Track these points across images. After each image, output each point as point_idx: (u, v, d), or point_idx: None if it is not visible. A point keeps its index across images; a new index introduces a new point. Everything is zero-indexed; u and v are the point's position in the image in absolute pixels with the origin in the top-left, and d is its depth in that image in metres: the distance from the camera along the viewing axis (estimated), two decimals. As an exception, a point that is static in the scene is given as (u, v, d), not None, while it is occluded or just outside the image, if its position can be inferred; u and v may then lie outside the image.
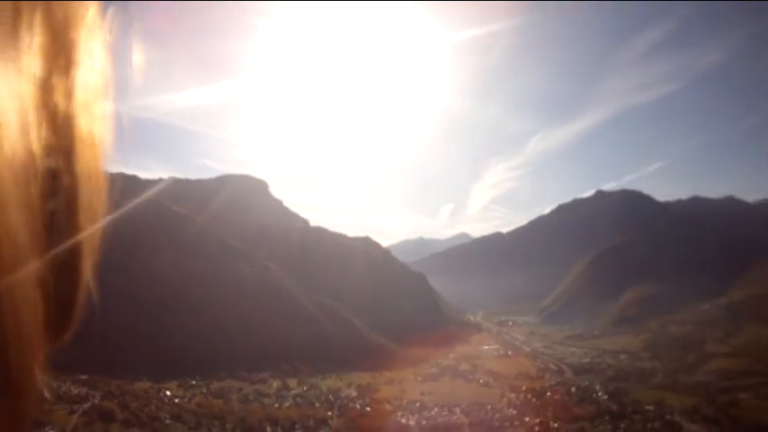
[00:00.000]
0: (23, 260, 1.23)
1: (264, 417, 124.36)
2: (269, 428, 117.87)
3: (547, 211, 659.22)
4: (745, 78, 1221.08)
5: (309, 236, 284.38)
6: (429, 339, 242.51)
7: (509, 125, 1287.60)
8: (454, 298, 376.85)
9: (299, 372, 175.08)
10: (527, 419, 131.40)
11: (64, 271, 1.43)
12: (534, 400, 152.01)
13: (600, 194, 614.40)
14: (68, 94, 1.38)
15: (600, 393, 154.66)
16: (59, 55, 1.35)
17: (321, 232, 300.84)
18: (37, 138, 1.28)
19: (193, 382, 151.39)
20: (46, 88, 1.31)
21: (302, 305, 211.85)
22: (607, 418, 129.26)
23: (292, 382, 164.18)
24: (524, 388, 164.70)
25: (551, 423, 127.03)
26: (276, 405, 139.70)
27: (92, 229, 1.53)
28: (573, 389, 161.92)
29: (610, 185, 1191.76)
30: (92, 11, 1.43)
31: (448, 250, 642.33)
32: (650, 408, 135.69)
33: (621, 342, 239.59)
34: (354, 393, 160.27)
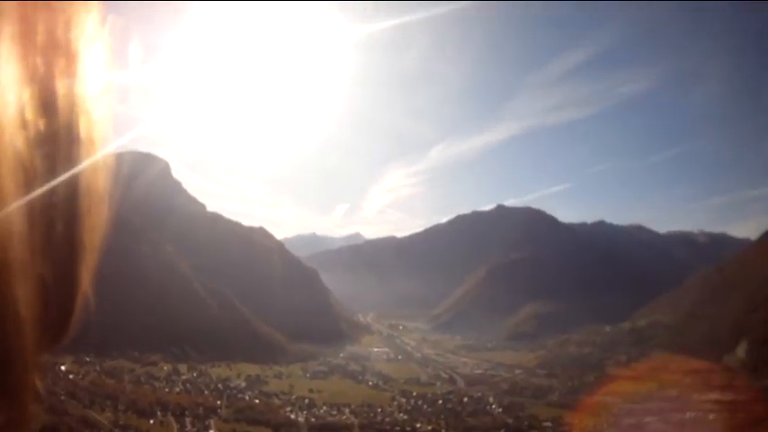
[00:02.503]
0: (23, 263, 1.24)
1: (155, 400, 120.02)
2: (159, 413, 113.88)
3: (444, 220, 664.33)
4: (660, 111, 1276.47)
5: (205, 221, 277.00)
6: (319, 336, 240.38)
7: (413, 131, 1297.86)
8: (345, 297, 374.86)
9: (189, 357, 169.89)
10: (418, 426, 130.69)
11: (63, 277, 1.45)
12: (426, 406, 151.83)
13: (501, 209, 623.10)
14: (69, 96, 1.39)
15: (494, 406, 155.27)
16: (60, 56, 1.35)
17: (217, 219, 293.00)
18: (36, 139, 1.29)
19: (87, 359, 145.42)
20: (47, 90, 1.31)
21: (195, 290, 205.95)
22: (502, 431, 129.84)
23: (183, 368, 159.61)
24: (415, 393, 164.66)
25: (444, 431, 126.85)
26: (167, 389, 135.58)
27: (91, 234, 1.56)
28: (465, 399, 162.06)
29: (511, 201, 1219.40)
30: (92, 11, 1.43)
31: (341, 249, 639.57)
32: (548, 424, 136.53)
33: (516, 357, 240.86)
34: (243, 384, 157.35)
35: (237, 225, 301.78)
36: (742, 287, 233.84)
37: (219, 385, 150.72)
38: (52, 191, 1.37)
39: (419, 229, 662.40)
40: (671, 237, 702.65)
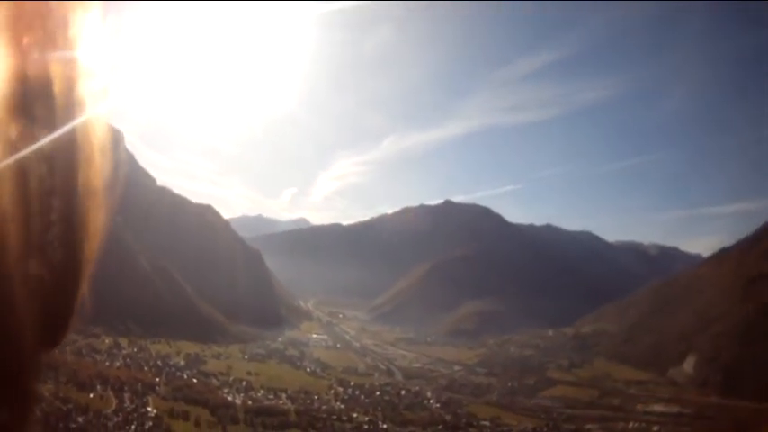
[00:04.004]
0: (21, 264, 1.27)
1: (96, 373, 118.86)
2: (99, 386, 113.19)
3: (391, 211, 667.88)
4: (621, 121, 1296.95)
5: (154, 196, 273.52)
6: (259, 319, 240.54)
7: (365, 120, 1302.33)
8: (287, 281, 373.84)
9: (130, 332, 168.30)
10: (355, 416, 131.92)
11: (61, 277, 1.47)
12: (363, 397, 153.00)
13: (448, 204, 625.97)
14: (67, 98, 1.42)
15: (432, 401, 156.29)
16: (59, 56, 1.39)
17: (165, 194, 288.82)
18: (35, 141, 1.31)
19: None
20: (44, 91, 1.34)
21: (140, 264, 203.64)
22: (440, 427, 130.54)
23: (124, 341, 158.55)
24: (353, 383, 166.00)
25: (381, 423, 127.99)
26: (107, 363, 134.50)
27: (90, 237, 1.56)
28: (403, 392, 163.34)
29: (460, 198, 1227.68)
30: (91, 11, 1.46)
31: (286, 233, 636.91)
32: (486, 423, 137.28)
33: (455, 353, 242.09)
34: (182, 362, 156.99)
35: (186, 201, 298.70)
36: (692, 303, 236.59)
37: (159, 362, 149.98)
38: (51, 191, 1.39)
39: (365, 219, 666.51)
40: (620, 246, 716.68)
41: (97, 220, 1.61)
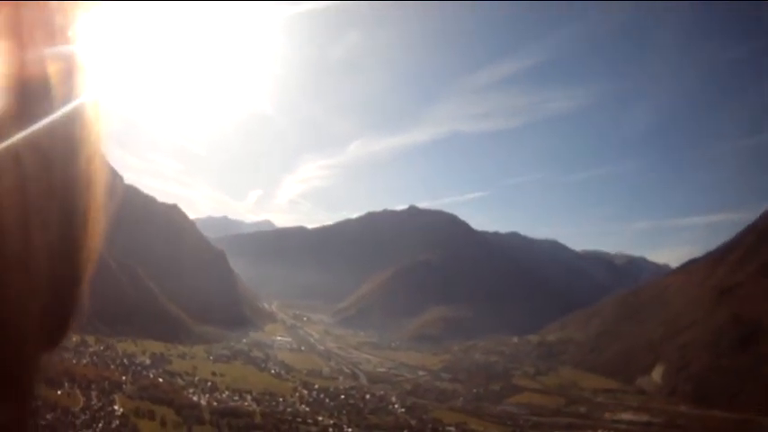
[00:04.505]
0: (21, 264, 1.28)
1: (63, 371, 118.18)
2: (66, 384, 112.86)
3: (355, 215, 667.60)
4: (589, 131, 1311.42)
5: (121, 194, 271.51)
6: (223, 319, 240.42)
7: (332, 124, 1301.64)
8: (251, 283, 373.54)
9: (97, 330, 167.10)
10: (320, 419, 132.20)
11: (62, 277, 1.49)
12: (328, 400, 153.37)
13: (413, 210, 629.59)
14: (66, 99, 1.44)
15: (396, 405, 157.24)
16: (58, 57, 1.40)
17: (132, 192, 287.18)
18: (35, 144, 1.32)
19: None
20: (43, 93, 1.35)
21: (106, 263, 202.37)
22: (406, 431, 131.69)
23: (91, 339, 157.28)
24: (317, 386, 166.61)
25: (346, 427, 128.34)
26: (74, 360, 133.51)
27: (90, 238, 1.58)
28: (368, 396, 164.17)
29: (425, 204, 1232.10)
30: (89, 12, 1.48)
31: (251, 234, 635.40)
32: (451, 429, 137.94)
33: (420, 358, 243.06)
34: (148, 361, 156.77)
35: (152, 200, 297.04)
36: (660, 312, 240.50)
37: (125, 360, 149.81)
38: (50, 191, 1.40)
39: (329, 222, 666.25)
40: (587, 255, 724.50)
41: (97, 219, 1.62)
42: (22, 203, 1.29)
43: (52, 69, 1.41)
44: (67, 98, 1.46)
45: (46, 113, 1.37)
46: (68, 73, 1.47)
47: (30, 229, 1.33)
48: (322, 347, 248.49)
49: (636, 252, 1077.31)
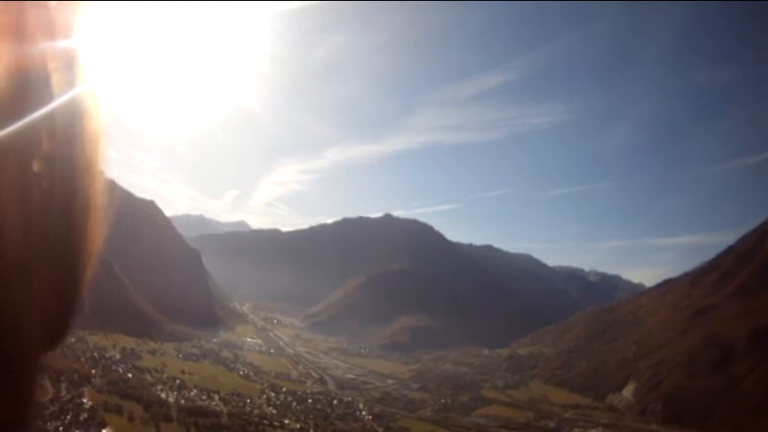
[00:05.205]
0: (21, 264, 1.30)
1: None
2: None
3: (330, 221, 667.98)
4: (568, 148, 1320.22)
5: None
6: (194, 318, 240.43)
7: (311, 128, 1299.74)
8: (224, 283, 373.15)
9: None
10: (287, 422, 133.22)
11: (62, 277, 1.53)
12: (295, 403, 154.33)
13: (388, 218, 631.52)
14: (68, 102, 1.46)
15: (364, 412, 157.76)
16: (58, 59, 1.43)
17: (111, 186, 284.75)
18: (34, 147, 1.35)
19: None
20: (45, 93, 1.37)
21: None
22: None
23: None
24: (285, 389, 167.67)
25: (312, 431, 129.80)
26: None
27: (91, 239, 1.64)
28: (335, 401, 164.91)
29: (400, 213, 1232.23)
30: (84, 10, 1.52)
31: (225, 235, 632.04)
32: None
33: (389, 366, 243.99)
34: (118, 356, 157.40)
35: (130, 195, 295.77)
36: (633, 331, 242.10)
37: (95, 354, 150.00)
38: (50, 191, 1.43)
39: (304, 227, 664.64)
40: (560, 271, 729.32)
41: (97, 219, 1.65)
42: (22, 202, 1.30)
43: (52, 67, 1.41)
44: (68, 97, 1.46)
45: (46, 112, 1.36)
46: (69, 71, 1.47)
47: (31, 227, 1.33)
48: (291, 351, 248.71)
49: (610, 270, 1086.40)
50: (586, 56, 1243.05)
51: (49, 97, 1.39)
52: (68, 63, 1.48)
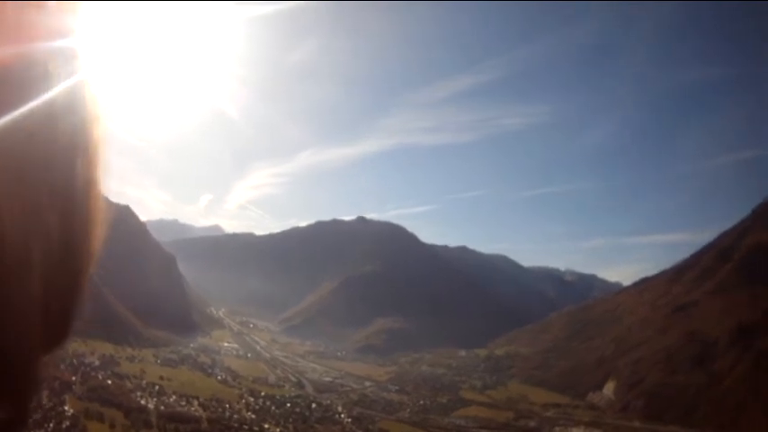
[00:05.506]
0: (23, 265, 1.31)
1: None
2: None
3: (304, 224, 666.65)
4: (543, 149, 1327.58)
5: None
6: (171, 323, 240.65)
7: (285, 132, 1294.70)
8: (200, 288, 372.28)
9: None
10: (266, 427, 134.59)
11: (63, 277, 1.53)
12: (274, 408, 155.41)
13: (362, 221, 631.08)
14: (68, 102, 1.48)
15: (343, 415, 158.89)
16: (58, 61, 1.44)
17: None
18: (35, 151, 1.36)
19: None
20: (43, 91, 1.38)
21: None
22: None
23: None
24: (263, 394, 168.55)
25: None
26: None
27: (91, 242, 1.65)
28: (314, 405, 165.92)
29: (373, 215, 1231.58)
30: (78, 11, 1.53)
31: (200, 239, 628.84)
32: None
33: (366, 369, 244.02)
34: (97, 362, 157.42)
35: (105, 200, 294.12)
36: (610, 329, 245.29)
37: (75, 360, 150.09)
38: (51, 191, 1.43)
39: (278, 230, 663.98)
40: (536, 271, 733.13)
41: (98, 218, 1.66)
42: (23, 204, 1.32)
43: (52, 67, 1.42)
44: (68, 97, 1.48)
45: (46, 112, 1.38)
46: (69, 71, 1.49)
47: (31, 229, 1.35)
48: (268, 355, 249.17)
49: (586, 269, 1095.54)
50: (568, 56, 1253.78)
51: (49, 98, 1.38)
52: (67, 63, 1.47)
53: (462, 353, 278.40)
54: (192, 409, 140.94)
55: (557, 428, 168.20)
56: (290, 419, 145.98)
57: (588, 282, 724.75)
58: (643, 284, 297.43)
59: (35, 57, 1.38)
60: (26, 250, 1.32)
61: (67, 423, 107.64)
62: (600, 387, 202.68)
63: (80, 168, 1.55)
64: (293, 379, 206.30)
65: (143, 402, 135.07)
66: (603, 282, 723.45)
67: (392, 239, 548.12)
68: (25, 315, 1.36)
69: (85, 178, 1.57)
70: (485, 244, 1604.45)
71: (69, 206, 1.51)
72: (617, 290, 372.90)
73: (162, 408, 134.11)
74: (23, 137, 1.30)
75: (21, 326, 1.35)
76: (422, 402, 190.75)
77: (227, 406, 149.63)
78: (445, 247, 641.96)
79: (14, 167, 1.29)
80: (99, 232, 1.68)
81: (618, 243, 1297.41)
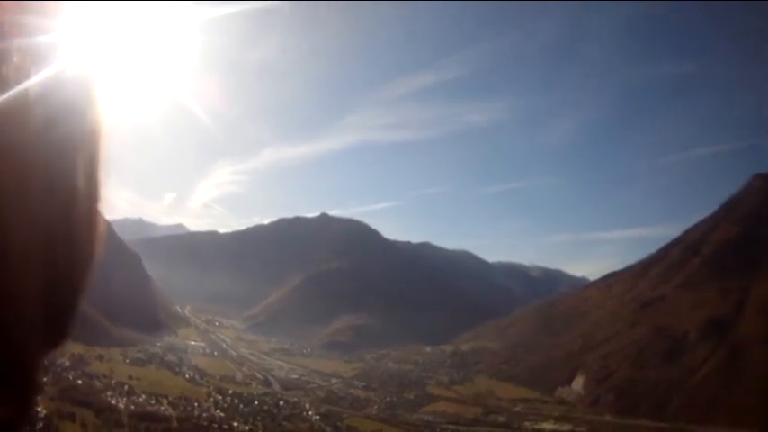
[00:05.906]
0: (24, 264, 1.35)
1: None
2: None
3: (266, 221, 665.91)
4: (504, 146, 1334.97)
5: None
6: (138, 322, 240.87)
7: (246, 129, 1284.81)
8: (165, 286, 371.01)
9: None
10: (235, 425, 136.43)
11: (64, 277, 1.60)
12: (242, 406, 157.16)
13: (325, 217, 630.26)
14: (67, 108, 1.53)
15: (311, 412, 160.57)
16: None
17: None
18: (34, 153, 1.38)
19: None
20: (43, 92, 1.42)
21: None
22: None
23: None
24: (231, 392, 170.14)
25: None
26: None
27: (91, 240, 1.71)
28: (281, 402, 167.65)
29: (336, 212, 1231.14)
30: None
31: (164, 238, 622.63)
32: None
33: (332, 366, 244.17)
34: (68, 363, 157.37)
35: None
36: (578, 323, 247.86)
37: (45, 360, 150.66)
38: (51, 192, 1.47)
39: (241, 228, 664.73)
40: (501, 267, 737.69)
41: (98, 217, 1.72)
42: (24, 201, 1.35)
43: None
44: (67, 97, 1.55)
45: (46, 112, 1.42)
46: (69, 70, 1.58)
47: (31, 227, 1.39)
48: (234, 353, 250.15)
49: (552, 265, 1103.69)
50: (527, 54, 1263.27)
51: (48, 98, 1.43)
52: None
53: (428, 349, 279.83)
54: (162, 408, 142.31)
55: (526, 423, 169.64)
56: (259, 417, 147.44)
57: (554, 277, 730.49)
58: (610, 279, 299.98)
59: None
60: (26, 248, 1.35)
61: (41, 424, 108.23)
62: (569, 382, 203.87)
63: (80, 165, 1.61)
64: (260, 376, 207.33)
65: (113, 402, 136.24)
66: (570, 277, 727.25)
67: (356, 236, 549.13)
68: (26, 316, 1.40)
69: (85, 175, 1.64)
70: (448, 240, 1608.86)
71: (70, 203, 1.57)
72: (583, 285, 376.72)
73: (132, 407, 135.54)
74: (23, 135, 1.33)
75: (21, 326, 1.39)
76: (389, 399, 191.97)
77: (196, 404, 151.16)
78: (408, 243, 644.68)
79: (15, 165, 1.32)
80: (100, 229, 1.76)
81: (583, 238, 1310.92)
